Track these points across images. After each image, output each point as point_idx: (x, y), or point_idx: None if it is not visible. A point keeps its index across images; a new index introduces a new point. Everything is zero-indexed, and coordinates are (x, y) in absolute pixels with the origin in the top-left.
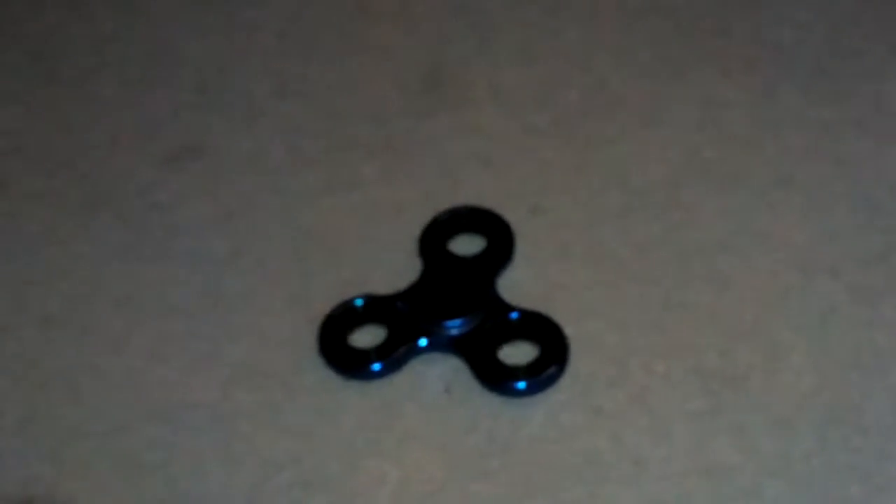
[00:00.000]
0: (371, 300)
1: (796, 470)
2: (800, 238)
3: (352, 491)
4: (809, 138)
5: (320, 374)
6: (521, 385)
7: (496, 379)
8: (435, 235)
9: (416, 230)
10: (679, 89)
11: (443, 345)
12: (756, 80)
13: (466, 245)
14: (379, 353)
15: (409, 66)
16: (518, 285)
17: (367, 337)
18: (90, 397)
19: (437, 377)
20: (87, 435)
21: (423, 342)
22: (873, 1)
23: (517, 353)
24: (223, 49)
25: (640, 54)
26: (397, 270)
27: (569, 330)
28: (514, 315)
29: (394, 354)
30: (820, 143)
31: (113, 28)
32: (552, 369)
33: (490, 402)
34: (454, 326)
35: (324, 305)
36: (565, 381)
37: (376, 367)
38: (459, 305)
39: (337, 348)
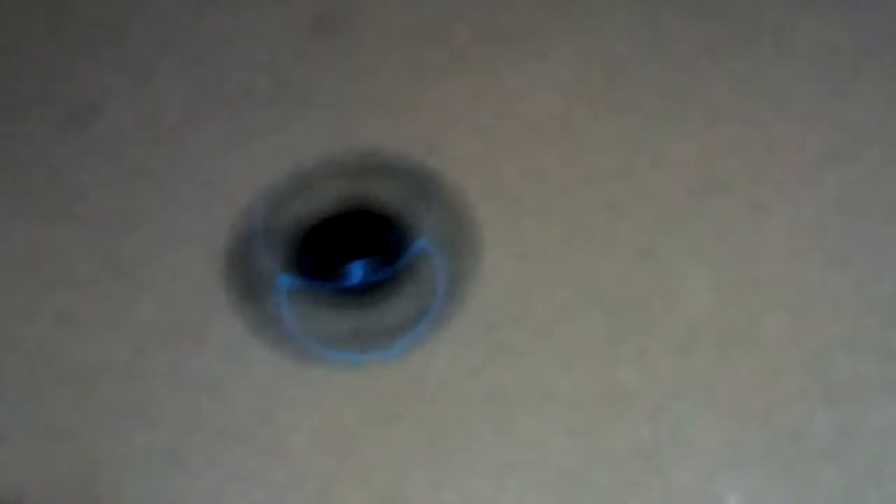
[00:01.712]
0: None
1: (699, 389)
2: (691, 158)
3: (269, 441)
4: (695, 58)
5: (229, 329)
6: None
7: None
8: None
9: (314, 176)
10: (566, 19)
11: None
12: (639, 3)
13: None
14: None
15: (298, 13)
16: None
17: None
18: (2, 366)
19: (345, 323)
20: (2, 406)
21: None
22: None
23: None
24: (114, 5)
25: None
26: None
27: (470, 266)
28: None
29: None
30: (706, 62)
31: None
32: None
33: (398, 345)
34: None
35: (231, 261)
36: (470, 319)
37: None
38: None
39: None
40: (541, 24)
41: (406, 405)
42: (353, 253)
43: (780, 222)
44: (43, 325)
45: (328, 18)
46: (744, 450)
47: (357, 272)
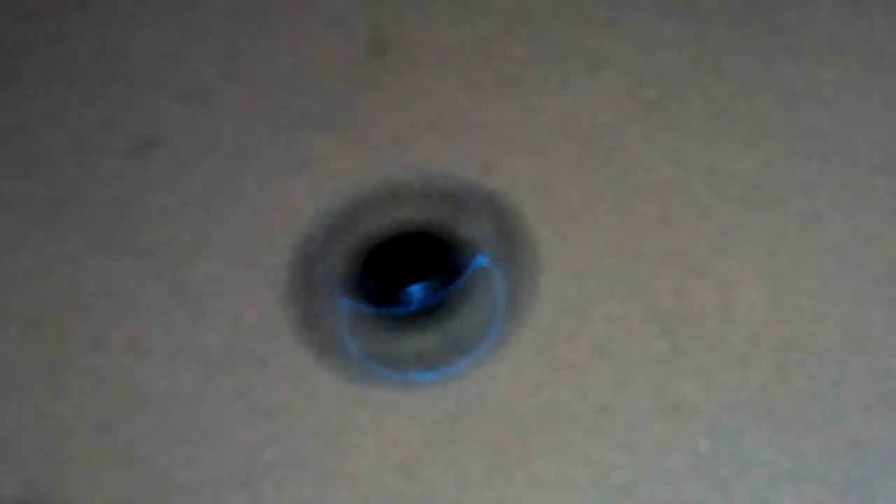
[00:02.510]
0: None
1: (756, 402)
2: (743, 171)
3: (334, 464)
4: (746, 70)
5: (294, 355)
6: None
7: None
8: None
9: (372, 199)
10: (616, 34)
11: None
12: (691, 18)
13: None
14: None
15: (351, 37)
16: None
17: None
18: (76, 396)
19: (407, 347)
20: (76, 433)
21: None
22: None
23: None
24: (171, 35)
25: (577, 2)
26: (359, 242)
27: (527, 285)
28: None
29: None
30: (757, 74)
31: (61, 27)
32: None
33: (457, 366)
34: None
35: (293, 286)
36: (528, 337)
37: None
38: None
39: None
40: (591, 39)
41: (468, 425)
42: (412, 275)
43: (835, 233)
44: (112, 355)
45: (381, 41)
46: (802, 462)
47: (417, 294)
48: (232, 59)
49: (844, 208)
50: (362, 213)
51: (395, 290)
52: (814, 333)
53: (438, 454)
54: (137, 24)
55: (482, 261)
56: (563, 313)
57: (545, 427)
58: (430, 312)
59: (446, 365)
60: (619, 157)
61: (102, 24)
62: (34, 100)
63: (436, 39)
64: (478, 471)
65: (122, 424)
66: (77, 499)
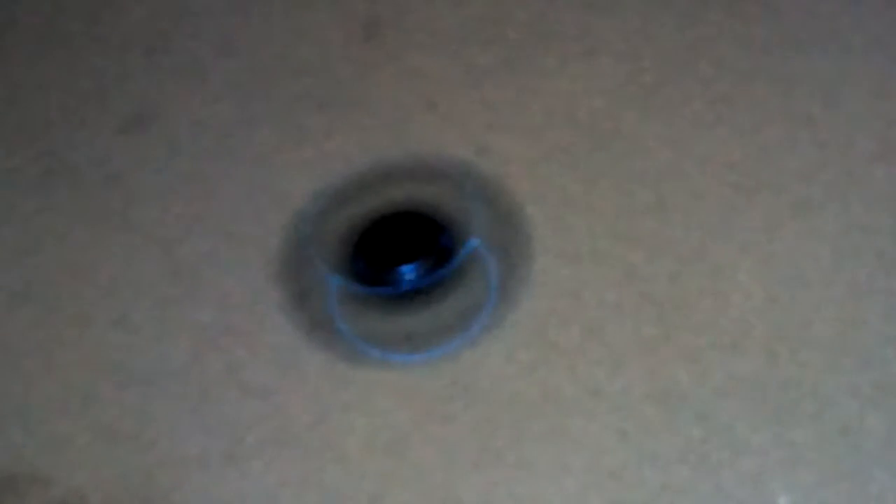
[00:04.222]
0: None
1: (749, 389)
2: (739, 158)
3: (323, 443)
4: (743, 57)
5: (284, 333)
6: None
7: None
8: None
9: (365, 179)
10: (615, 19)
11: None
12: (689, 4)
13: None
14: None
15: (349, 17)
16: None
17: None
18: (62, 371)
19: (398, 328)
20: (63, 409)
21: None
22: None
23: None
24: (167, 12)
25: None
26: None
27: (521, 268)
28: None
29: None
30: (754, 62)
31: (54, 0)
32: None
33: (450, 346)
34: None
35: (284, 264)
36: (521, 320)
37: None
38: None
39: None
40: (589, 24)
41: (458, 406)
42: (404, 256)
43: (830, 221)
44: (100, 330)
45: (378, 22)
46: (794, 449)
47: (408, 275)
48: (226, 37)
49: (840, 196)
50: (355, 193)
51: (387, 271)
52: (807, 321)
53: (428, 435)
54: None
55: (475, 243)
56: (556, 297)
57: (536, 410)
58: (421, 293)
59: (437, 346)
60: (614, 141)
61: None
62: (26, 74)
63: (433, 20)
64: (468, 453)
65: (108, 400)
66: (62, 475)
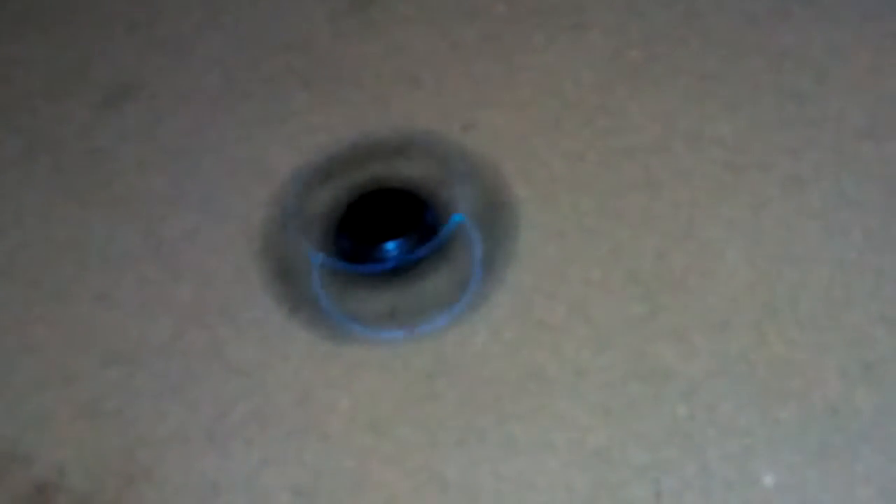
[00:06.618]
0: None
1: (735, 367)
2: (728, 134)
3: (306, 420)
4: (733, 32)
5: (266, 310)
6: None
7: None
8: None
9: (349, 155)
10: None
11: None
12: None
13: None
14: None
15: None
16: (452, 202)
17: None
18: (44, 348)
19: (382, 305)
20: (44, 386)
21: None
22: None
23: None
24: None
25: None
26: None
27: (506, 244)
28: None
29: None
30: (744, 37)
31: None
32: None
33: (433, 325)
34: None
35: (267, 241)
36: (506, 297)
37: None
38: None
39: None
40: None
41: (442, 384)
42: (389, 232)
43: (819, 198)
44: (82, 305)
45: None
46: (780, 428)
47: (393, 251)
48: (211, 9)
49: (829, 173)
50: (339, 169)
51: (371, 247)
52: (795, 299)
53: (411, 413)
54: None
55: (460, 219)
56: (541, 274)
57: (521, 388)
58: (405, 270)
59: (421, 323)
60: (602, 117)
61: None
62: (7, 46)
63: None
64: (451, 431)
65: (90, 377)
66: (44, 452)
